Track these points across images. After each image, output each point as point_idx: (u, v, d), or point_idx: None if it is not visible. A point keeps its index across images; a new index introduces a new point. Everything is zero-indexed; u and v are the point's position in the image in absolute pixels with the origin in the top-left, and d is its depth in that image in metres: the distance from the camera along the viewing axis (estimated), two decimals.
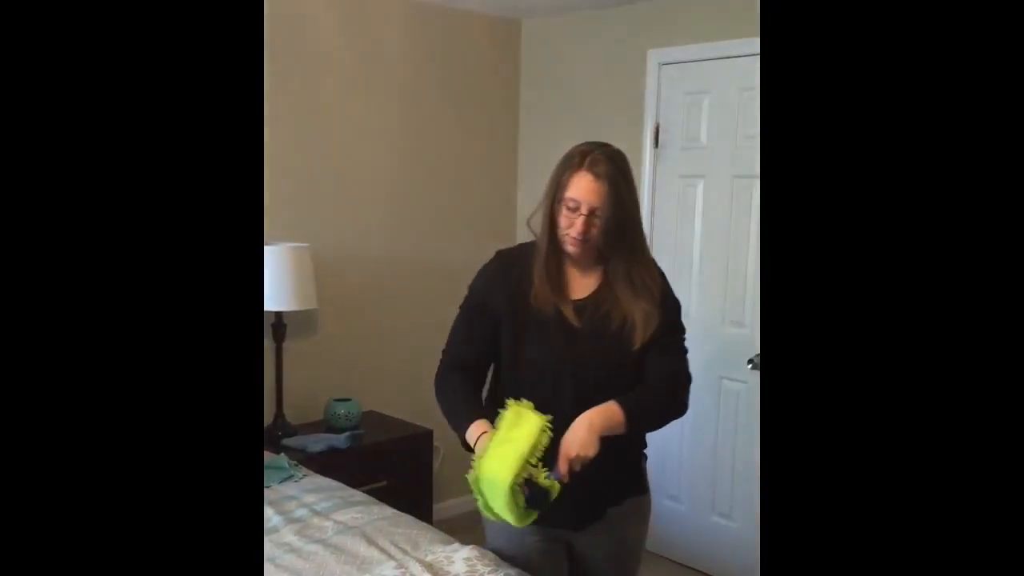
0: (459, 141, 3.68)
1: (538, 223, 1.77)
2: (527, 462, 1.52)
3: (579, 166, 1.68)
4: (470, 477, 1.59)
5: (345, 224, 3.32)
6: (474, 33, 3.65)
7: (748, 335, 3.11)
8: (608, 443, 1.61)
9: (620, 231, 1.70)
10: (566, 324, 1.72)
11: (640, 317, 1.71)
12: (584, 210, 1.67)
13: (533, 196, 3.84)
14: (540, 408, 1.60)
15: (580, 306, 1.75)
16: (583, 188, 1.67)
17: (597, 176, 1.66)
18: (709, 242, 3.21)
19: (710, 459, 3.26)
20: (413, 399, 3.54)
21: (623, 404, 1.63)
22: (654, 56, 3.32)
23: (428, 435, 3.25)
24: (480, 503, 1.61)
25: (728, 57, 3.07)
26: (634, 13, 3.38)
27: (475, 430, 1.66)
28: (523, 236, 3.92)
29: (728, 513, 3.23)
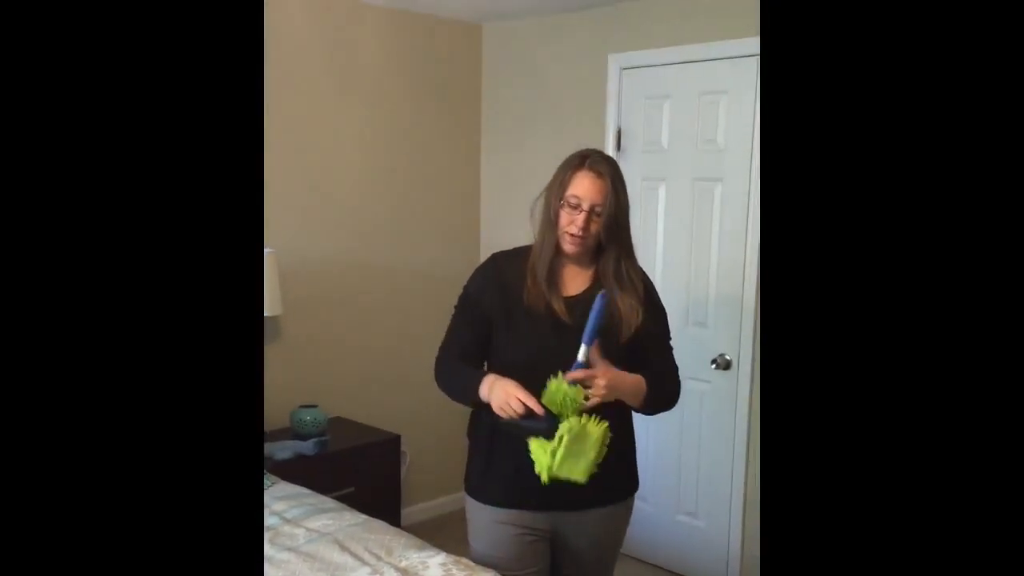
0: (422, 146, 3.68)
1: (538, 220, 1.85)
2: (595, 463, 1.65)
3: (580, 166, 1.79)
4: (539, 466, 1.64)
5: (308, 230, 3.30)
6: (435, 37, 3.65)
7: (711, 335, 3.15)
8: (620, 437, 1.76)
9: (616, 229, 1.80)
10: (557, 320, 1.79)
11: (626, 311, 1.80)
12: (585, 207, 1.76)
13: (496, 201, 3.89)
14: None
15: (571, 303, 1.82)
16: (585, 186, 1.77)
17: (599, 175, 1.77)
18: (671, 243, 3.25)
19: (675, 459, 3.30)
20: (379, 405, 3.54)
21: (648, 381, 1.77)
22: (615, 60, 3.35)
23: (395, 440, 3.24)
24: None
25: (688, 62, 3.12)
26: (595, 18, 3.41)
27: (487, 381, 1.73)
28: (487, 239, 3.95)
29: (694, 512, 3.27)
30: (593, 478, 1.66)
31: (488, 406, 1.71)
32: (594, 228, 1.78)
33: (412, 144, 3.64)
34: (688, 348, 3.19)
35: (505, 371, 1.76)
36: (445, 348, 1.91)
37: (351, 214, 3.45)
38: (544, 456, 1.61)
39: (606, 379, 1.65)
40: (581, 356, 1.65)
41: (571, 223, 1.77)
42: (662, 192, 3.26)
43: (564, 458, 1.60)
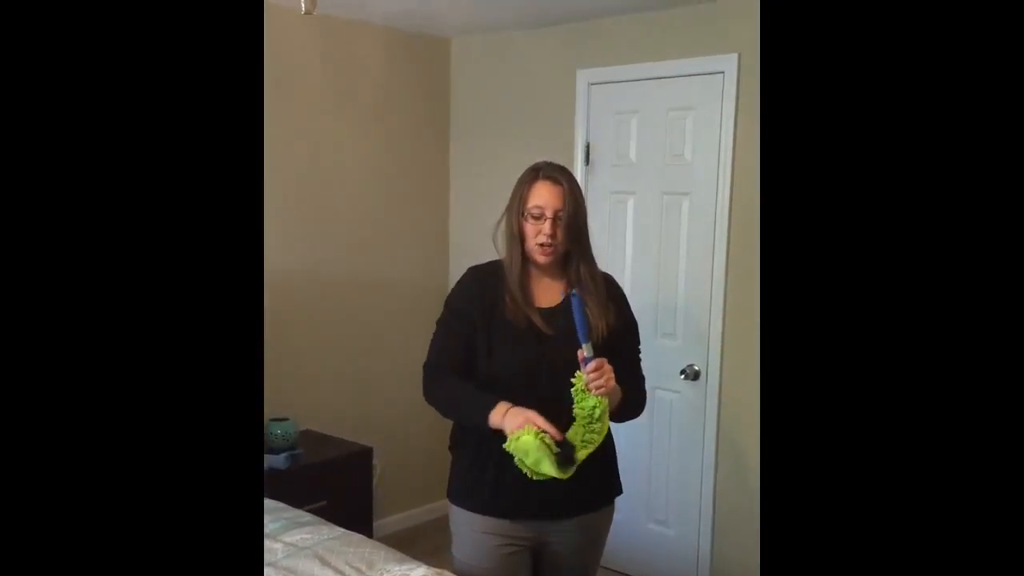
0: (391, 158, 3.69)
1: (502, 241, 1.90)
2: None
3: (536, 178, 1.87)
4: (513, 447, 1.68)
5: (278, 242, 3.29)
6: (403, 51, 3.67)
7: (680, 346, 3.21)
8: (602, 442, 1.79)
9: (578, 233, 1.86)
10: (539, 332, 1.84)
11: (595, 314, 1.84)
12: (549, 214, 1.83)
13: (466, 213, 3.91)
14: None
15: (549, 314, 1.87)
16: (544, 194, 1.84)
17: (555, 182, 1.85)
18: (640, 256, 3.30)
19: (645, 467, 3.35)
20: (350, 417, 3.53)
21: (624, 388, 1.82)
22: (584, 76, 3.41)
23: (367, 452, 3.24)
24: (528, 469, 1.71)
25: (655, 78, 3.18)
26: (564, 34, 3.46)
27: (501, 408, 1.74)
28: (456, 252, 3.96)
29: (664, 520, 3.32)
30: (575, 479, 1.71)
31: (494, 432, 1.74)
32: (560, 234, 1.83)
33: (381, 158, 3.65)
34: (657, 359, 3.25)
35: (490, 384, 1.80)
36: (436, 365, 1.91)
37: (320, 227, 3.45)
38: (546, 460, 1.66)
39: (609, 367, 1.73)
40: (587, 352, 1.72)
41: (538, 233, 1.83)
42: (631, 205, 3.31)
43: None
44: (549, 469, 1.66)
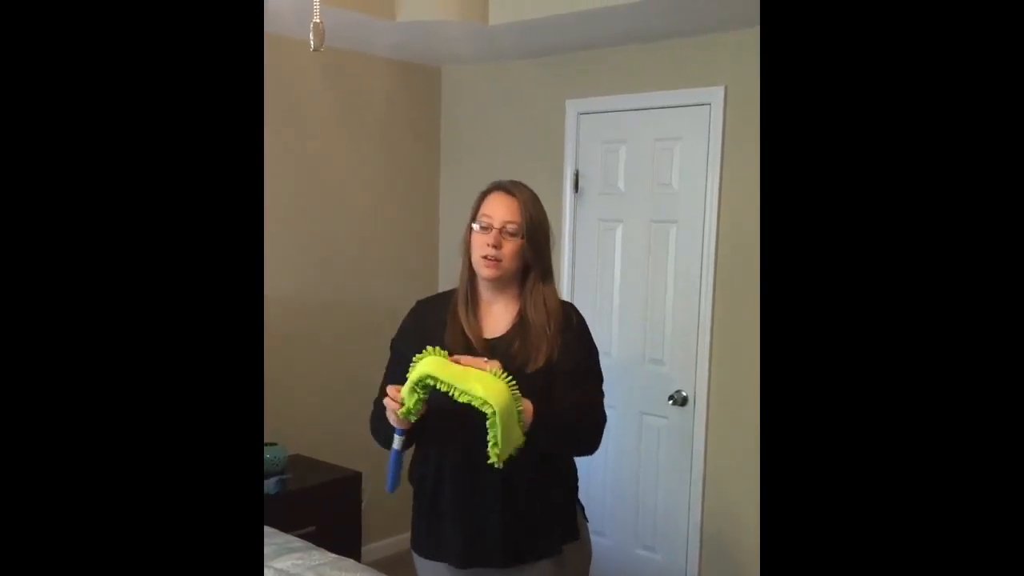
0: (380, 185, 3.72)
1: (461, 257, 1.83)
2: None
3: (491, 190, 1.80)
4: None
5: (265, 266, 3.31)
6: (393, 79, 3.72)
7: (668, 372, 3.24)
8: (549, 485, 1.72)
9: (536, 251, 1.76)
10: None
11: (535, 338, 1.73)
12: (496, 224, 1.73)
13: (455, 239, 3.91)
14: (464, 445, 1.70)
15: (493, 344, 1.75)
16: (495, 204, 1.76)
17: (508, 193, 1.77)
18: (628, 283, 3.34)
19: (633, 493, 3.37)
20: (339, 441, 3.53)
21: (536, 407, 1.60)
22: (572, 106, 3.46)
23: (356, 478, 3.25)
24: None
25: (643, 109, 3.24)
26: (553, 64, 3.52)
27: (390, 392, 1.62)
28: (445, 277, 3.98)
29: (652, 546, 3.33)
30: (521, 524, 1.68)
31: (410, 441, 1.69)
32: (508, 248, 1.73)
33: (369, 183, 3.69)
34: (645, 384, 3.28)
35: (430, 419, 1.65)
36: (375, 402, 1.82)
37: (308, 252, 3.48)
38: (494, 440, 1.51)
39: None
40: (396, 445, 1.68)
41: (483, 244, 1.74)
42: (619, 233, 3.36)
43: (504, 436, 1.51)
44: (474, 383, 1.49)
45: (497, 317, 1.80)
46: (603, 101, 3.38)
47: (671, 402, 3.22)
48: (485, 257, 1.74)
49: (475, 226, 1.77)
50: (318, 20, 1.23)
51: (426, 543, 1.84)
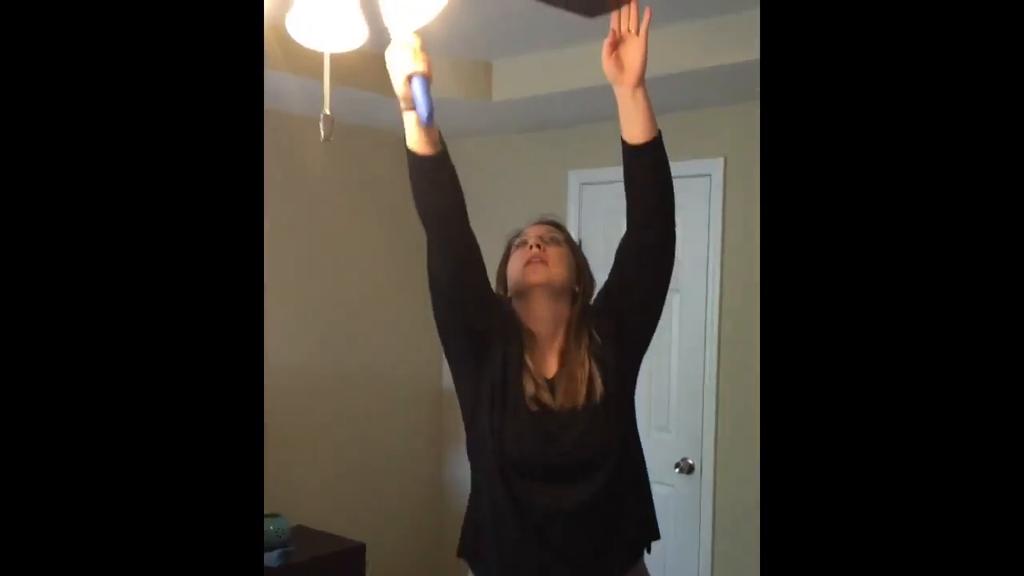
0: (385, 255, 3.77)
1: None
2: None
3: (527, 226, 1.76)
4: None
5: (269, 336, 3.33)
6: (400, 151, 3.77)
7: (674, 440, 3.23)
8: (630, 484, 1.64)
9: (576, 269, 1.70)
10: (542, 404, 1.61)
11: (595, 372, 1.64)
12: (532, 240, 1.67)
13: None
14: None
15: (551, 384, 1.64)
16: (531, 232, 1.72)
17: (544, 224, 1.75)
18: None
19: None
20: (343, 511, 3.51)
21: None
22: (575, 176, 3.53)
23: (360, 549, 3.21)
24: None
25: None
26: (555, 136, 3.61)
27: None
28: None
29: None
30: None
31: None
32: (553, 252, 1.66)
33: (375, 254, 3.74)
34: (651, 452, 3.24)
35: (490, 469, 1.57)
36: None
37: (313, 322, 3.51)
38: None
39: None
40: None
41: (522, 254, 1.66)
42: None
43: None
44: None
45: (543, 358, 1.67)
46: (605, 172, 3.44)
47: (677, 470, 3.20)
48: (530, 260, 1.63)
49: (511, 249, 1.70)
50: (327, 112, 1.26)
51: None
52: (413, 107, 1.38)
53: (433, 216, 1.56)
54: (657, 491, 3.22)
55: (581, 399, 1.61)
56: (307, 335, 3.48)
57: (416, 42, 1.31)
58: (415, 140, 1.49)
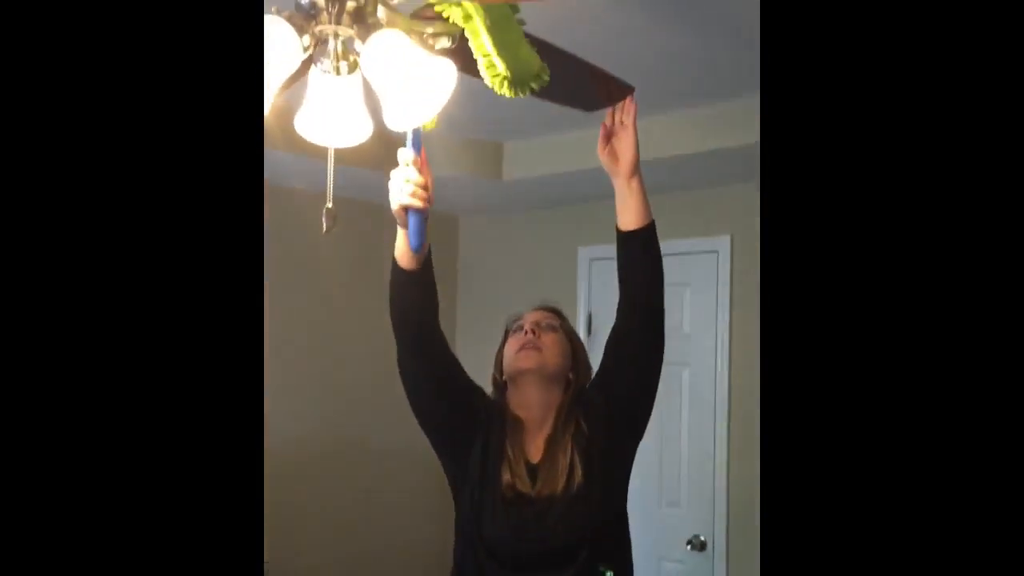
0: (387, 329, 3.77)
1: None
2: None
3: (526, 311, 1.79)
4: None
5: (270, 410, 3.31)
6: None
7: (685, 515, 3.22)
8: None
9: (571, 355, 1.71)
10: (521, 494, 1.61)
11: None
12: (528, 326, 1.69)
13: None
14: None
15: (534, 469, 1.64)
16: (528, 317, 1.74)
17: (541, 310, 1.78)
18: None
19: None
20: None
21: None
22: (584, 253, 3.60)
23: None
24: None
25: None
26: (565, 213, 3.68)
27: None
28: None
29: None
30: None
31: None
32: (547, 338, 1.67)
33: (384, 328, 3.75)
34: (662, 529, 3.25)
35: (475, 548, 1.57)
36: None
37: (317, 396, 3.51)
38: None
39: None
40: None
41: (516, 341, 1.68)
42: None
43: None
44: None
45: (530, 441, 1.67)
46: (614, 248, 3.49)
47: (689, 547, 3.18)
48: (523, 345, 1.65)
49: (508, 335, 1.71)
50: (330, 206, 1.31)
51: None
52: (406, 227, 1.44)
53: (399, 322, 1.68)
54: (669, 569, 3.23)
55: (560, 487, 1.60)
56: (311, 409, 3.45)
57: (418, 177, 1.36)
58: (400, 253, 1.56)
